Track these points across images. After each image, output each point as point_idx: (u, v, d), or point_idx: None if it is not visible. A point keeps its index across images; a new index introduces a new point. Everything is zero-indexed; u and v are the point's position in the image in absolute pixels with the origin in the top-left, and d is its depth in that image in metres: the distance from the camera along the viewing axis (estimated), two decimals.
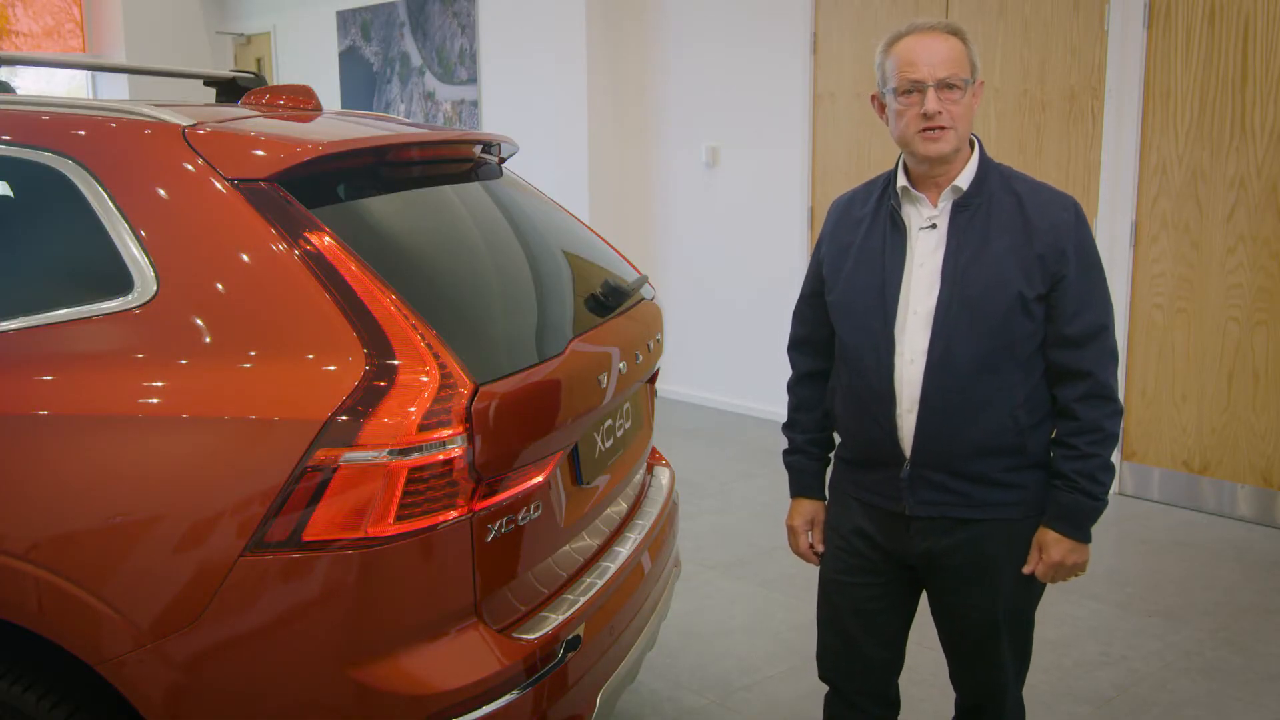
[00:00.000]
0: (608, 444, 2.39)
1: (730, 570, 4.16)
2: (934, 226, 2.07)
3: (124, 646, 1.79)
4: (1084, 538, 2.08)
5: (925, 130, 2.01)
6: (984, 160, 2.09)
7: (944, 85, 1.99)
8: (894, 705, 2.34)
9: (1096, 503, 2.05)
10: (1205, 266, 4.64)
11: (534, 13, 7.00)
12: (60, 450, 1.85)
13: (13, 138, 2.04)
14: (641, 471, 2.76)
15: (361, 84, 8.44)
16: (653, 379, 2.80)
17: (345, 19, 8.49)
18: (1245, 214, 4.50)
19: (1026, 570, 2.11)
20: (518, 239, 2.48)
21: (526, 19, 7.07)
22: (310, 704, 1.82)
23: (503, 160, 2.73)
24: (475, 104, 7.56)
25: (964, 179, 2.06)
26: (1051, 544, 2.07)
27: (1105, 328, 2.04)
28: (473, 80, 7.54)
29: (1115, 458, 4.77)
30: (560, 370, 2.06)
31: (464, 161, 2.53)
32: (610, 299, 2.41)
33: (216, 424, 1.79)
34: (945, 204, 2.07)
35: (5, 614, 1.88)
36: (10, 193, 2.07)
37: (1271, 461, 4.55)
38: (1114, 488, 4.99)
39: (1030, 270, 2.01)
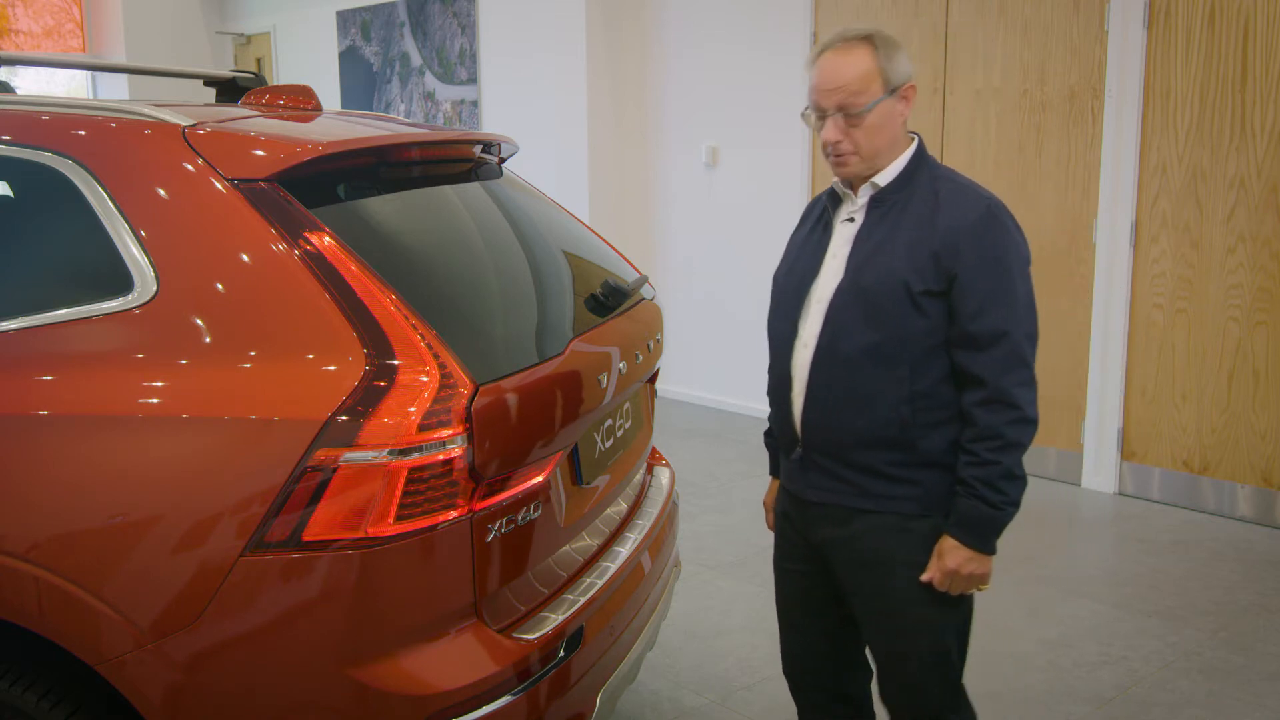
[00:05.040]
0: (608, 444, 2.39)
1: (730, 570, 4.15)
2: (853, 220, 2.11)
3: (124, 646, 1.79)
4: (983, 548, 2.02)
5: (830, 155, 2.06)
6: (916, 159, 2.09)
7: (843, 112, 2.00)
8: (854, 705, 2.31)
9: (997, 512, 1.99)
10: (1205, 266, 4.63)
11: (534, 13, 7.00)
12: (60, 450, 1.85)
13: (13, 138, 2.04)
14: (641, 471, 2.76)
15: (361, 84, 8.43)
16: (653, 379, 2.80)
17: (345, 19, 8.49)
18: (1245, 214, 4.50)
19: (924, 578, 2.05)
20: (518, 239, 2.48)
21: (526, 19, 7.07)
22: (310, 704, 1.82)
23: (503, 160, 2.73)
24: (475, 104, 7.56)
25: (884, 177, 2.08)
26: (949, 550, 2.03)
27: (1008, 334, 1.97)
28: (473, 80, 7.54)
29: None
30: (560, 370, 2.06)
31: (464, 161, 2.53)
32: (610, 299, 2.41)
33: (216, 424, 1.79)
34: (863, 199, 2.10)
35: (5, 614, 1.88)
36: (10, 193, 2.07)
37: (1271, 461, 4.55)
38: (1114, 487, 5.01)
39: (921, 264, 1.99)
